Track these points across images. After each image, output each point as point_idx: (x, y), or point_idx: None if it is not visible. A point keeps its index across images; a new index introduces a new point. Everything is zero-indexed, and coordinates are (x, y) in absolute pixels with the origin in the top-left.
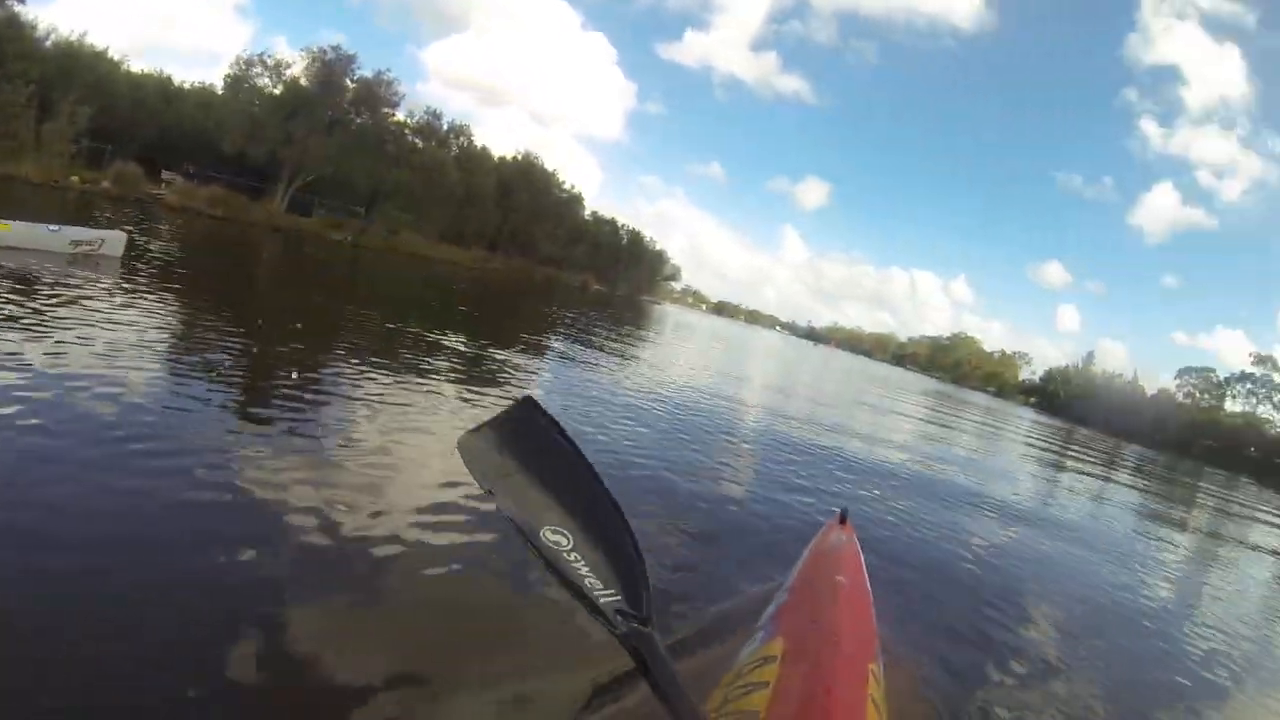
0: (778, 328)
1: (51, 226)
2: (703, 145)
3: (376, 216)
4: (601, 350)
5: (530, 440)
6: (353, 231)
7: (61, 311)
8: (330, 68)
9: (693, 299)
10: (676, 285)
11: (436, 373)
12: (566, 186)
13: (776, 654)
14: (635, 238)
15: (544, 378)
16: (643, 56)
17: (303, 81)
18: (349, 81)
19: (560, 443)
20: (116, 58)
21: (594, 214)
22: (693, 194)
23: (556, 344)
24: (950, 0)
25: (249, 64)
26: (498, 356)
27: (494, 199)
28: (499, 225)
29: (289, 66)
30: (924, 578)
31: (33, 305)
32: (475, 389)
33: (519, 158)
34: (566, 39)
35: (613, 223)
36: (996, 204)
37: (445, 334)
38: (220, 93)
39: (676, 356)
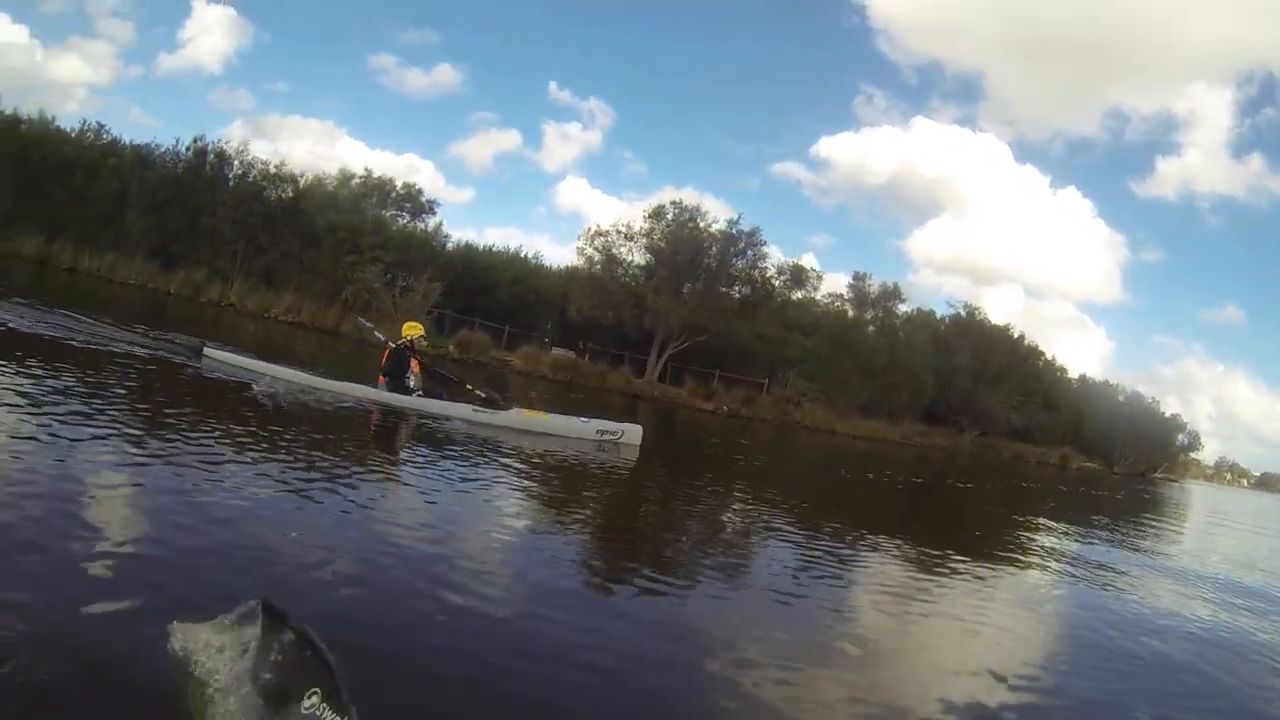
0: None
1: (583, 419)
2: (1210, 286)
3: (776, 388)
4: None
5: None
6: (728, 401)
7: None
8: (679, 224)
9: (1230, 474)
10: (1201, 457)
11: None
12: (1028, 342)
13: None
14: (1134, 400)
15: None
16: (1120, 201)
17: (657, 240)
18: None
19: None
20: (484, 243)
21: (1082, 377)
22: (1213, 347)
23: (1029, 537)
24: None
25: (600, 233)
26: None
27: (927, 364)
28: (936, 395)
29: (645, 234)
30: None
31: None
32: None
33: (957, 314)
34: (1039, 202)
35: (1105, 384)
36: None
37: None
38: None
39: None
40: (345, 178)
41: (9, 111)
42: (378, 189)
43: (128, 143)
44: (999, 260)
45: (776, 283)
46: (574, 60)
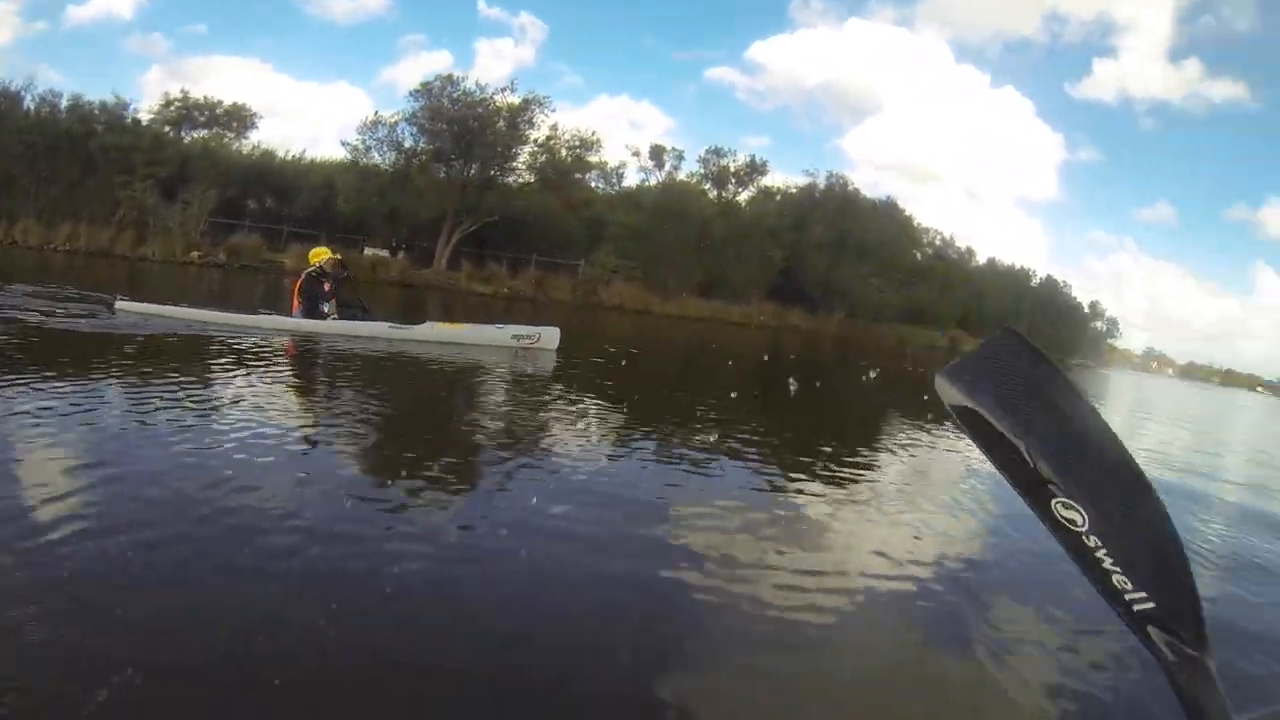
0: (1259, 389)
1: (498, 325)
2: (1143, 185)
3: (585, 266)
4: None
5: (1023, 384)
6: (509, 283)
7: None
8: (443, 98)
9: (1157, 363)
10: (1130, 346)
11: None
12: (903, 216)
13: None
14: (1047, 285)
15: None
16: (1057, 102)
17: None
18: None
19: (1066, 391)
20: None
21: (991, 261)
22: (1144, 242)
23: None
24: None
25: (376, 122)
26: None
27: (780, 239)
28: (788, 272)
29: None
30: None
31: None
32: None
33: (811, 183)
34: (977, 101)
35: (1013, 268)
36: None
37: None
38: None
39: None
40: (167, 102)
41: None
42: (203, 109)
43: None
44: (937, 159)
45: (565, 153)
46: None
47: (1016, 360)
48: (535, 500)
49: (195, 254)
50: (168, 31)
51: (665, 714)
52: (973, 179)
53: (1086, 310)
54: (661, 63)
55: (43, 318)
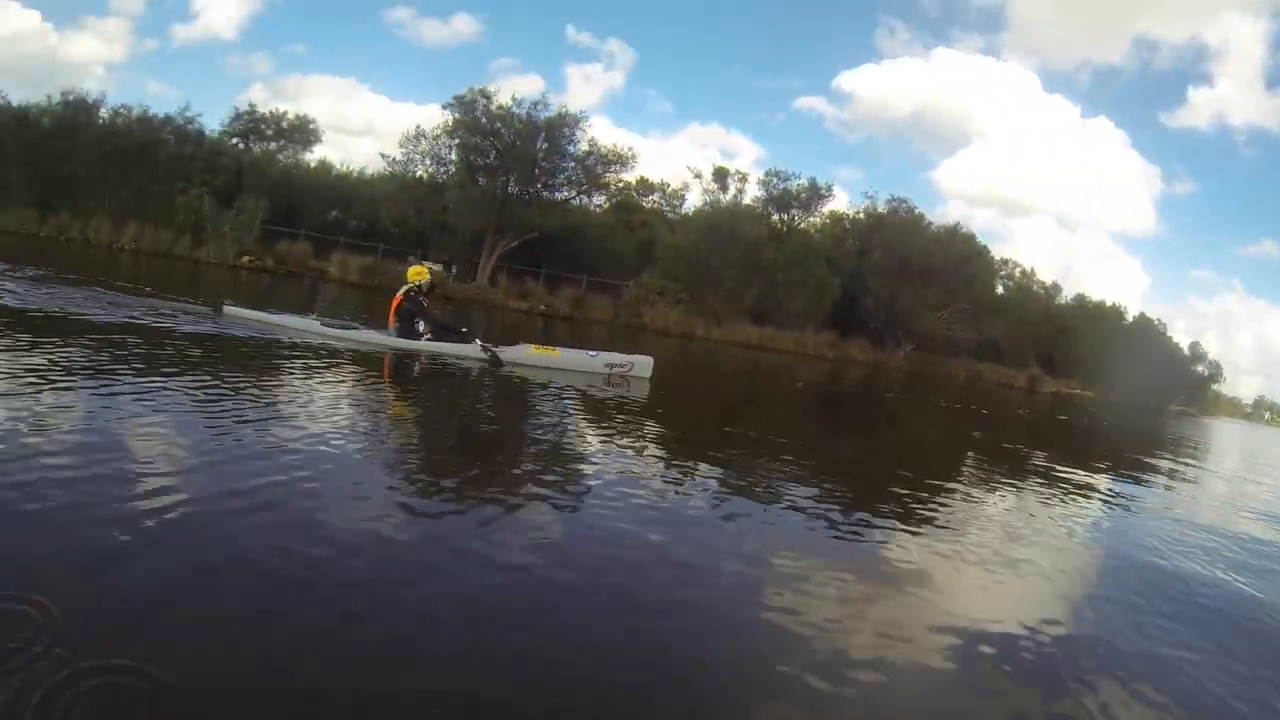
0: None
1: (591, 352)
2: (1247, 220)
3: (631, 287)
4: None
5: None
6: (547, 300)
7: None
8: (475, 112)
9: (1270, 413)
10: (1239, 394)
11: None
12: (974, 244)
13: None
14: (1141, 324)
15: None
16: (1152, 132)
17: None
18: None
19: None
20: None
21: (1080, 297)
22: (1251, 283)
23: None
24: None
25: (418, 135)
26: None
27: (840, 266)
28: (849, 300)
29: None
30: None
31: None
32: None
33: (869, 206)
34: (1069, 131)
35: (1102, 304)
36: None
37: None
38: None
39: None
40: (236, 115)
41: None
42: (269, 122)
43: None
44: (1030, 192)
45: (600, 171)
46: (592, 1)
47: None
48: (613, 525)
49: (246, 258)
50: (270, 51)
51: None
52: (1067, 213)
53: (1186, 353)
54: (748, 91)
55: (158, 319)
